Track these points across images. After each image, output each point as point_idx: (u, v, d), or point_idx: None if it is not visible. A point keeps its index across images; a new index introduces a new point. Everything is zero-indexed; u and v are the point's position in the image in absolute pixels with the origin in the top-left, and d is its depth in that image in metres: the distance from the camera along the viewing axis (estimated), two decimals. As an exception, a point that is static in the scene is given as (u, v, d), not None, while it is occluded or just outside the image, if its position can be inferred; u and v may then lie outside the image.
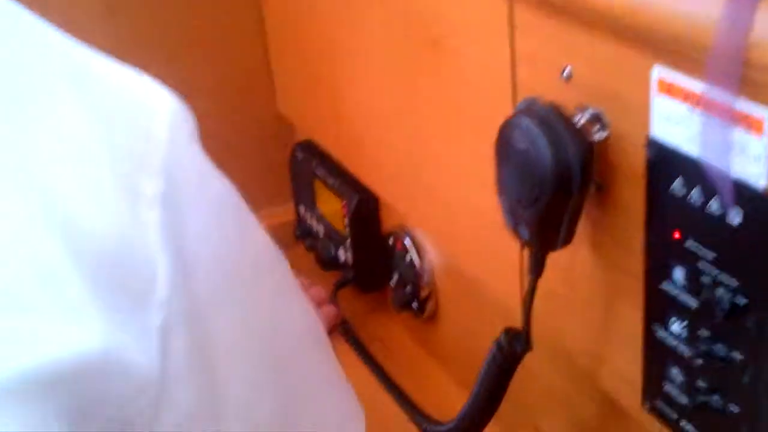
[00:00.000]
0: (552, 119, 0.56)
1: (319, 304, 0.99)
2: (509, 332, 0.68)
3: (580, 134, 0.56)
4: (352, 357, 1.00)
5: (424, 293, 0.95)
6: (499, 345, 0.69)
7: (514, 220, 0.60)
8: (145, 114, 0.45)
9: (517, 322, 0.70)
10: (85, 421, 0.39)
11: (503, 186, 0.60)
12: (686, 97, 0.50)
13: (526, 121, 0.56)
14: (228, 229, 0.50)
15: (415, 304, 0.97)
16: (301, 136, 1.17)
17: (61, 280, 0.38)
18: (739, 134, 0.47)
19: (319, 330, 0.62)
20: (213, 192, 0.49)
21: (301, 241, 1.16)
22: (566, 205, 0.57)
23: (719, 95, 0.47)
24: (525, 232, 0.59)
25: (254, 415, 0.52)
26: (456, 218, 0.79)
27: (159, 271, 0.42)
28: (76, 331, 0.38)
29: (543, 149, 0.55)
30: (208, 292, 0.47)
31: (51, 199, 0.39)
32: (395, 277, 1.00)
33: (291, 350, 0.56)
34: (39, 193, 0.39)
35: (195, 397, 0.44)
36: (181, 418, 0.43)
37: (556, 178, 0.55)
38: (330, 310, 1.02)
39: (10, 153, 0.39)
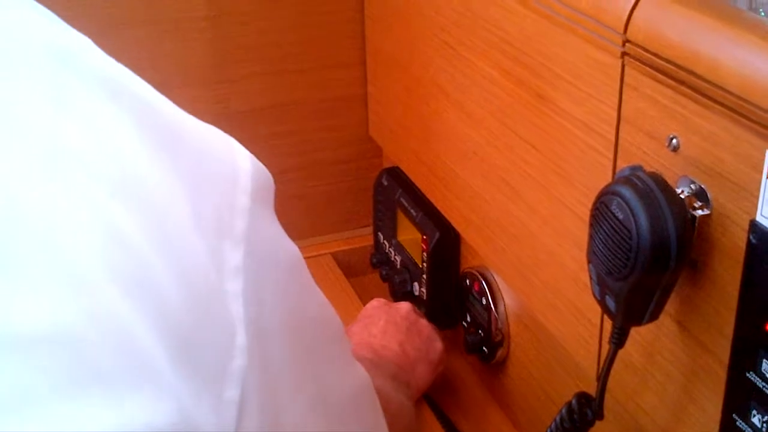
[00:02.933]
0: (654, 191, 0.54)
1: (430, 338, 0.98)
2: (581, 397, 0.67)
3: (682, 209, 0.55)
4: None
5: (495, 338, 0.94)
6: (569, 408, 0.67)
7: (602, 291, 0.59)
8: (230, 178, 0.45)
9: (589, 382, 0.68)
10: None
11: (594, 254, 0.58)
12: (799, 187, 0.48)
13: (626, 191, 0.55)
14: (296, 297, 0.50)
15: (485, 349, 0.95)
16: (389, 163, 1.17)
17: (140, 348, 0.37)
18: None
19: (370, 390, 0.61)
20: (284, 259, 0.49)
21: (377, 268, 1.16)
22: (658, 282, 0.55)
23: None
24: (611, 304, 0.58)
25: None
26: (539, 271, 0.78)
27: (237, 342, 0.42)
28: (151, 400, 0.37)
29: (641, 222, 0.54)
30: (278, 362, 0.46)
31: (134, 260, 0.39)
32: (468, 318, 0.98)
33: (347, 417, 0.56)
34: (122, 252, 0.38)
35: None
36: None
37: (653, 255, 0.54)
38: (439, 346, 0.99)
39: (96, 209, 0.39)
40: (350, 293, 1.15)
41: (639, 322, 0.58)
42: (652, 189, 0.55)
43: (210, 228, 0.42)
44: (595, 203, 0.58)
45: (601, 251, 0.57)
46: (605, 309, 0.59)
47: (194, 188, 0.42)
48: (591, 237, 0.58)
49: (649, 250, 0.54)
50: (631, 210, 0.54)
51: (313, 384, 0.51)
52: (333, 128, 1.19)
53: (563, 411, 0.68)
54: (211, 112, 1.12)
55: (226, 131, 1.26)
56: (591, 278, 0.60)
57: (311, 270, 1.08)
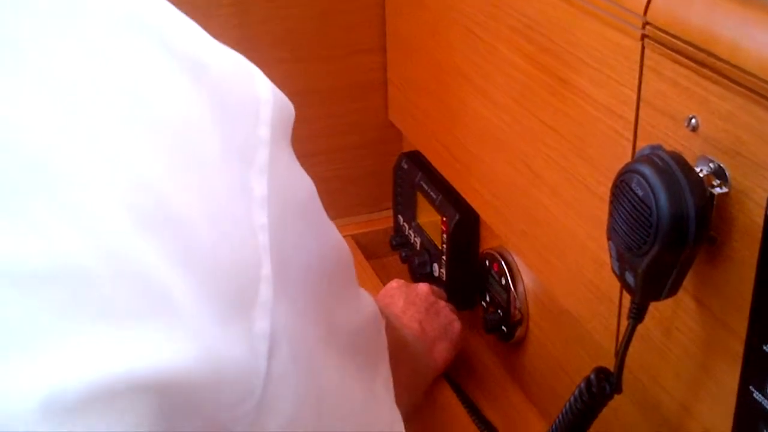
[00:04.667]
0: (673, 169, 0.56)
1: (449, 318, 0.99)
2: (600, 372, 0.68)
3: (701, 187, 0.56)
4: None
5: (514, 318, 0.95)
6: (588, 383, 0.69)
7: (622, 267, 0.60)
8: (251, 108, 0.44)
9: (607, 360, 0.70)
10: (182, 427, 0.38)
11: (615, 231, 0.60)
12: (816, 165, 0.50)
13: (646, 169, 0.56)
14: (313, 229, 0.50)
15: (504, 328, 0.97)
16: (408, 147, 1.18)
17: (156, 282, 0.37)
18: None
19: (376, 319, 0.62)
20: (302, 191, 0.49)
21: (397, 250, 1.17)
22: (677, 258, 0.57)
23: None
24: (631, 279, 0.60)
25: (346, 409, 0.54)
26: (558, 250, 0.80)
27: (263, 273, 0.42)
28: (167, 335, 0.37)
29: (661, 198, 0.55)
30: (301, 294, 0.47)
31: (153, 194, 0.38)
32: (487, 298, 1.00)
33: (354, 348, 0.58)
34: (138, 186, 0.38)
35: (298, 400, 0.45)
36: (285, 421, 0.44)
37: (672, 230, 0.55)
38: (458, 325, 1.00)
39: (117, 142, 0.38)
40: (370, 274, 1.17)
41: (657, 297, 0.60)
42: (672, 167, 0.56)
43: (235, 157, 0.42)
44: (615, 181, 0.59)
45: (622, 228, 0.59)
46: (625, 284, 0.61)
47: (217, 116, 0.42)
48: (611, 214, 0.60)
49: (668, 226, 0.55)
50: (651, 187, 0.56)
51: (327, 316, 0.51)
52: (354, 113, 1.21)
53: (582, 385, 0.69)
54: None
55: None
56: (611, 255, 0.61)
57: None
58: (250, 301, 0.41)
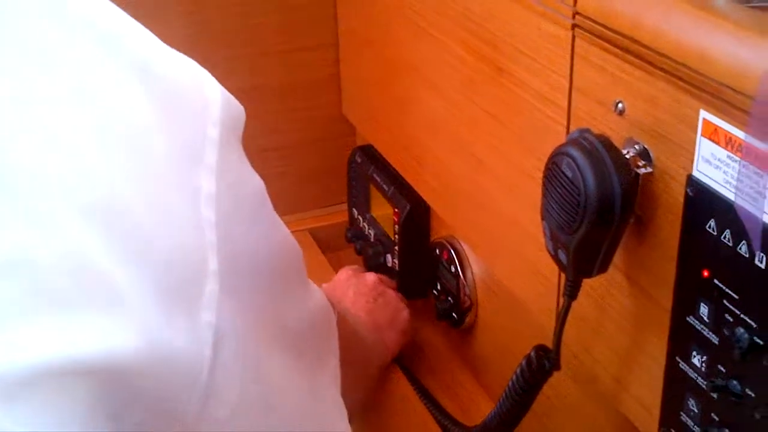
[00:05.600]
0: (600, 151, 0.59)
1: (397, 308, 1.02)
2: (539, 350, 0.71)
3: (626, 167, 0.59)
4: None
5: (464, 305, 0.98)
6: (528, 360, 0.71)
7: (554, 245, 0.63)
8: (200, 109, 0.46)
9: (551, 340, 0.73)
10: (125, 413, 0.40)
11: (547, 211, 0.63)
12: (728, 142, 0.53)
13: (574, 151, 0.59)
14: (262, 227, 0.52)
15: (455, 315, 1.00)
16: (361, 141, 1.21)
17: (99, 272, 0.38)
18: (772, 183, 0.50)
19: (325, 312, 0.64)
20: (251, 190, 0.51)
21: (352, 243, 1.20)
22: (605, 235, 0.60)
23: (758, 144, 0.50)
24: (563, 257, 0.62)
25: (292, 403, 0.56)
26: (502, 235, 0.82)
27: (210, 268, 0.44)
28: (109, 323, 0.38)
29: (588, 179, 0.58)
30: (247, 292, 0.49)
31: (100, 188, 0.40)
32: (438, 286, 1.03)
33: (303, 344, 0.60)
34: (85, 181, 0.39)
35: (244, 391, 0.47)
36: (231, 411, 0.46)
37: (598, 208, 0.58)
38: (406, 314, 1.03)
39: (63, 139, 0.40)
40: (326, 268, 1.19)
41: (589, 274, 0.63)
42: (599, 149, 0.59)
43: (183, 156, 0.44)
44: (547, 164, 0.62)
45: (553, 208, 0.61)
46: (558, 262, 0.63)
47: (166, 117, 0.44)
48: (544, 195, 0.63)
49: (595, 205, 0.58)
50: (579, 168, 0.59)
51: (275, 312, 0.53)
52: (307, 108, 1.23)
53: (523, 363, 0.72)
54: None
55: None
56: (545, 235, 0.64)
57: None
58: (196, 295, 0.43)
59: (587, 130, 0.61)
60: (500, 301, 0.94)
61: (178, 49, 1.24)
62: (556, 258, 0.64)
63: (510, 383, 0.74)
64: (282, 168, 1.24)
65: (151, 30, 1.25)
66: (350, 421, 0.64)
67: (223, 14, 1.15)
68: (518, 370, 0.73)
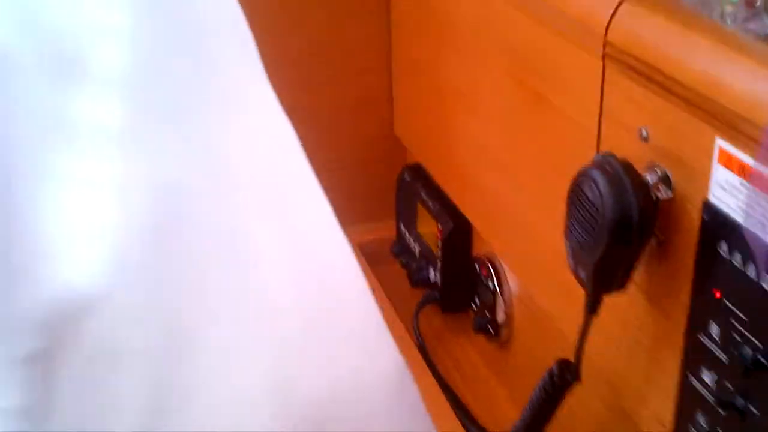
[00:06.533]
0: (621, 175, 0.62)
1: None
2: (562, 363, 0.74)
3: (645, 192, 0.62)
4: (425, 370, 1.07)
5: (500, 319, 1.01)
6: (551, 373, 0.75)
7: (575, 262, 0.66)
8: None
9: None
10: None
11: (569, 230, 0.66)
12: (741, 169, 0.56)
13: (597, 174, 0.63)
14: None
15: (491, 328, 1.03)
16: (411, 160, 1.25)
17: None
18: (777, 210, 0.52)
19: None
20: None
21: (398, 257, 1.24)
22: (622, 255, 0.63)
23: (766, 171, 0.52)
24: (583, 274, 0.66)
25: None
26: (536, 253, 0.86)
27: None
28: None
29: (608, 201, 0.61)
30: None
31: None
32: (477, 300, 1.06)
33: None
34: None
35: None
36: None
37: (616, 230, 0.61)
38: None
39: None
40: (372, 280, 1.23)
41: (607, 291, 0.66)
42: (620, 173, 0.62)
43: None
44: (571, 185, 0.65)
45: (575, 227, 0.65)
46: (578, 279, 0.67)
47: None
48: (567, 215, 0.66)
49: (613, 226, 0.61)
50: (600, 190, 0.62)
51: None
52: (362, 127, 1.28)
53: (546, 375, 0.75)
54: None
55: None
56: (568, 252, 0.67)
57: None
58: None
59: (611, 155, 0.64)
60: (535, 317, 0.97)
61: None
62: (576, 275, 0.67)
63: (533, 395, 0.77)
64: (335, 183, 1.28)
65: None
66: None
67: (280, 36, 1.20)
68: (541, 383, 0.76)
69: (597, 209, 0.62)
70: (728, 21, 0.65)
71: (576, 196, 0.65)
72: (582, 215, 0.64)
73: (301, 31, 1.21)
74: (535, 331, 0.97)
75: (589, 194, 0.63)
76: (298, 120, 1.28)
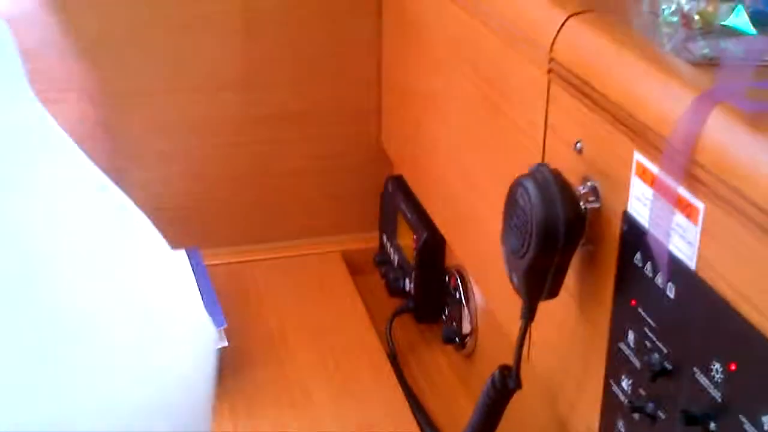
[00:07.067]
0: (551, 184, 0.64)
1: None
2: (504, 369, 0.76)
3: (573, 201, 0.64)
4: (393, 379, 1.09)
5: (465, 330, 1.03)
6: (492, 380, 0.76)
7: (509, 268, 0.68)
8: None
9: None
10: None
11: (504, 236, 0.68)
12: (653, 181, 0.58)
13: (528, 182, 0.65)
14: None
15: (457, 339, 1.05)
16: (395, 171, 1.27)
17: None
18: (680, 219, 0.54)
19: None
20: None
21: (378, 267, 1.26)
22: (551, 262, 0.65)
23: (668, 181, 0.54)
24: (516, 280, 0.67)
25: None
26: (493, 264, 0.87)
27: None
28: None
29: (536, 209, 0.63)
30: None
31: None
32: (446, 311, 1.08)
33: None
34: None
35: None
36: None
37: (544, 236, 0.63)
38: None
39: None
40: (352, 289, 1.25)
41: (539, 298, 0.68)
42: (549, 182, 0.64)
43: None
44: (507, 193, 0.67)
45: (509, 234, 0.67)
46: (513, 285, 0.69)
47: None
48: (503, 222, 0.68)
49: (540, 233, 0.63)
50: (530, 198, 0.64)
51: None
52: (350, 136, 1.31)
53: (489, 381, 0.77)
54: (241, 113, 1.25)
55: (252, 132, 1.40)
56: (503, 258, 0.69)
57: (321, 265, 1.21)
58: None
59: (544, 165, 0.66)
60: (497, 328, 0.98)
61: (234, 73, 1.35)
62: (511, 280, 0.69)
63: (478, 401, 0.78)
64: (323, 191, 1.31)
65: (210, 52, 1.36)
66: None
67: (277, 44, 1.24)
68: (485, 389, 0.77)
69: (527, 216, 0.64)
70: (665, 41, 0.67)
71: (510, 203, 0.67)
72: (514, 222, 0.66)
73: (292, 41, 1.24)
74: (498, 342, 0.99)
75: (521, 202, 0.65)
76: (288, 129, 1.32)
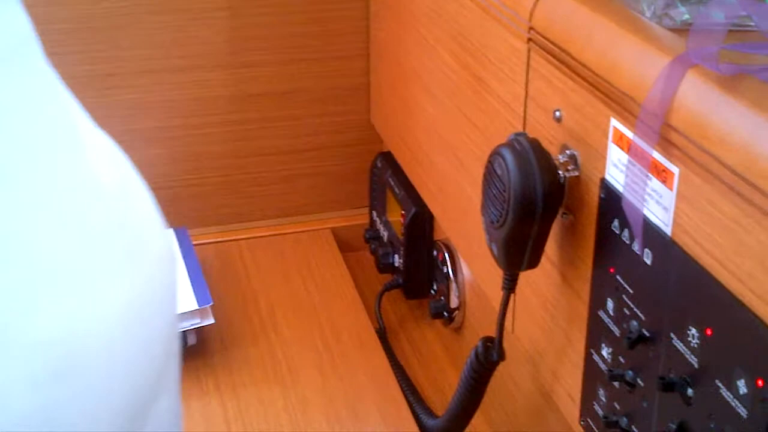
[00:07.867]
0: (528, 153, 0.64)
1: None
2: (487, 341, 0.76)
3: (551, 170, 0.63)
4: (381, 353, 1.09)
5: (453, 304, 1.03)
6: (476, 352, 0.76)
7: (489, 239, 0.68)
8: None
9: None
10: None
11: (484, 206, 0.67)
12: (629, 147, 0.57)
13: (506, 152, 0.64)
14: None
15: (445, 313, 1.05)
16: (385, 147, 1.27)
17: None
18: (655, 184, 0.54)
19: None
20: None
21: (368, 243, 1.26)
22: (529, 231, 0.64)
23: (642, 145, 0.54)
24: (495, 250, 0.67)
25: None
26: (478, 237, 0.87)
27: None
28: None
29: (514, 178, 0.63)
30: None
31: None
32: (435, 286, 1.08)
33: None
34: None
35: None
36: None
37: (521, 205, 0.63)
38: None
39: None
40: (342, 265, 1.25)
41: (518, 268, 0.67)
42: (527, 150, 0.64)
43: None
44: (486, 163, 0.67)
45: (488, 204, 0.66)
46: (493, 254, 0.68)
47: None
48: (482, 192, 0.68)
49: (518, 202, 0.63)
50: (507, 167, 0.63)
51: None
52: (339, 114, 1.30)
53: (472, 353, 0.77)
54: (228, 93, 1.24)
55: (240, 112, 1.40)
56: (483, 228, 0.69)
57: (310, 243, 1.20)
58: None
59: (522, 134, 0.66)
60: (484, 302, 0.98)
61: (220, 53, 1.34)
62: (491, 250, 0.68)
63: (462, 374, 0.78)
64: (312, 169, 1.31)
65: (194, 34, 1.36)
66: None
67: (263, 22, 1.23)
68: (469, 361, 0.77)
69: (504, 185, 0.63)
70: (646, 8, 0.66)
71: (488, 172, 0.66)
72: (493, 192, 0.65)
73: (279, 19, 1.23)
74: (485, 316, 0.99)
75: (499, 171, 0.64)
76: (277, 107, 1.31)
